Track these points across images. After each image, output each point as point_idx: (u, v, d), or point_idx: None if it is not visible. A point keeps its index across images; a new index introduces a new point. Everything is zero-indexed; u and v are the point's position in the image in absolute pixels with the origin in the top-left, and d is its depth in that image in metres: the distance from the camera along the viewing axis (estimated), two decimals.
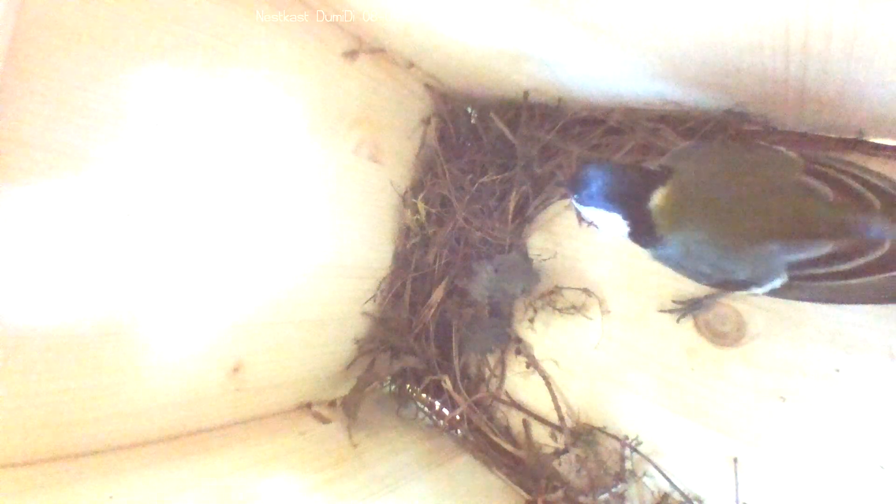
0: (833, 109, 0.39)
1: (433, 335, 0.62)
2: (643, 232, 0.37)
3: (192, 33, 0.38)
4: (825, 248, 0.31)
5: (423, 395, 0.64)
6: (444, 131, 0.65)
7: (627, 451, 0.50)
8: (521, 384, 0.59)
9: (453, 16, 0.42)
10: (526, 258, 0.58)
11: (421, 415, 0.63)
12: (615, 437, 0.51)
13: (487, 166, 0.61)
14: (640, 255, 0.52)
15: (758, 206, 0.33)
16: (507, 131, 0.59)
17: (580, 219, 0.55)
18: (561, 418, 0.54)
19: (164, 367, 0.43)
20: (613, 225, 0.37)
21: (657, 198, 0.35)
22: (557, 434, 0.54)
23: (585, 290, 0.55)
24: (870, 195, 0.31)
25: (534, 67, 0.48)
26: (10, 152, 0.31)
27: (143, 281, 0.40)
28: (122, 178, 0.37)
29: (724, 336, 0.47)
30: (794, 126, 0.45)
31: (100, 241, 0.37)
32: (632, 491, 0.49)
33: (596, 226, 0.41)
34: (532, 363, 0.57)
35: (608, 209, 0.37)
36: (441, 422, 0.61)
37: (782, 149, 0.35)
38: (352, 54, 0.51)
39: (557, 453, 0.53)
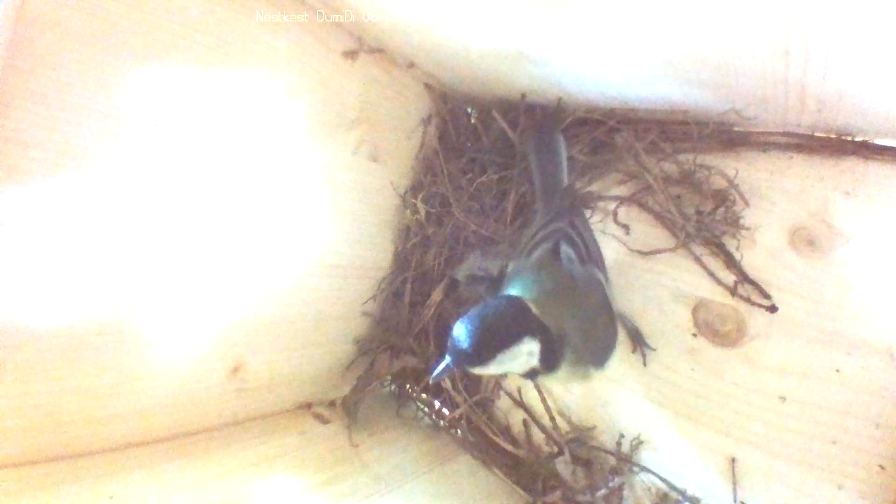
0: (833, 110, 0.39)
1: (433, 335, 0.61)
2: (550, 346, 0.36)
3: (192, 33, 0.38)
4: None
5: (423, 395, 0.64)
6: (444, 131, 0.65)
7: (626, 451, 0.50)
8: (520, 384, 0.59)
9: (453, 16, 0.42)
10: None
11: (421, 415, 0.63)
12: (613, 437, 0.51)
13: (487, 166, 0.61)
14: (640, 255, 0.52)
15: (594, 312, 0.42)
16: (508, 130, 0.59)
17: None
18: (552, 418, 0.54)
19: (164, 367, 0.43)
20: (527, 352, 0.36)
21: (538, 311, 0.36)
22: (554, 433, 0.54)
23: None
24: None
25: (534, 67, 0.48)
26: (10, 152, 0.31)
27: (143, 281, 0.40)
28: (122, 178, 0.37)
29: (724, 336, 0.47)
30: (794, 127, 0.45)
31: (100, 241, 0.37)
32: (630, 491, 0.49)
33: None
34: None
35: (516, 344, 0.35)
36: (441, 422, 0.61)
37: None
38: (352, 54, 0.51)
39: (556, 453, 0.53)
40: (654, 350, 0.50)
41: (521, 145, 0.57)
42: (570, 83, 0.50)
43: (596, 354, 0.40)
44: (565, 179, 0.50)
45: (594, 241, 0.46)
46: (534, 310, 0.36)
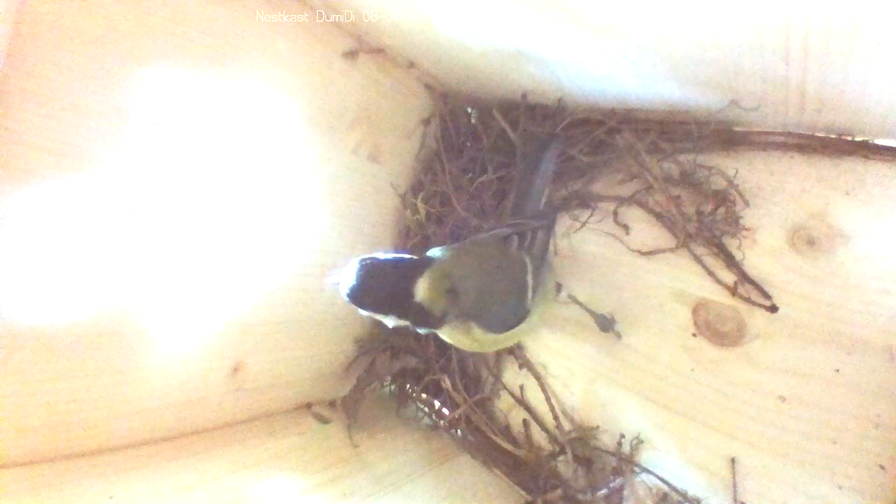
0: (833, 110, 0.39)
1: (433, 335, 0.61)
2: (422, 321, 0.40)
3: (192, 33, 0.38)
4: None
5: (423, 395, 0.64)
6: (445, 131, 0.65)
7: (626, 451, 0.50)
8: (520, 384, 0.59)
9: (453, 16, 0.42)
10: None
11: (421, 415, 0.63)
12: (614, 437, 0.51)
13: (487, 166, 0.61)
14: (640, 255, 0.52)
15: (503, 283, 0.44)
16: (509, 130, 0.59)
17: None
18: (556, 417, 0.54)
19: (164, 368, 0.43)
20: (394, 321, 0.40)
21: (421, 290, 0.38)
22: (556, 433, 0.54)
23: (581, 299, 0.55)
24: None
25: (534, 67, 0.48)
26: (10, 152, 0.31)
27: (142, 281, 0.40)
28: (122, 178, 0.37)
29: (724, 336, 0.47)
30: (794, 127, 0.45)
31: (100, 240, 0.37)
32: (630, 491, 0.49)
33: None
34: (525, 364, 0.58)
35: (383, 313, 0.39)
36: (441, 422, 0.61)
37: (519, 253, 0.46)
38: (352, 54, 0.51)
39: (556, 453, 0.54)
40: (619, 337, 0.53)
41: (521, 147, 0.58)
42: (570, 83, 0.50)
43: (485, 316, 0.42)
44: (541, 202, 0.50)
45: (545, 248, 0.49)
46: (425, 283, 0.39)
